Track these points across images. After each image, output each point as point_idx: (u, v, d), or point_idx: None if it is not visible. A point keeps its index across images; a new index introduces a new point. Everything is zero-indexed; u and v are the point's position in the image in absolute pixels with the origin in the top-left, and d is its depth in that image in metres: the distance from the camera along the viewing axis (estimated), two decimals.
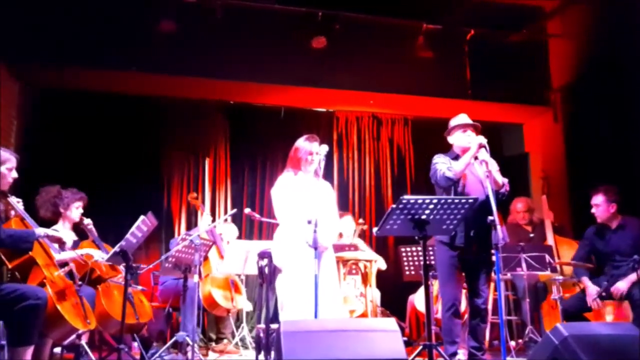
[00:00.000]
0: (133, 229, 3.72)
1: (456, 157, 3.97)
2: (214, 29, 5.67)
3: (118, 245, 3.73)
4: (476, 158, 3.80)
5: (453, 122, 4.06)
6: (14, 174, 3.38)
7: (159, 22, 5.45)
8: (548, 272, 4.82)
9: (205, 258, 5.23)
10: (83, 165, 5.80)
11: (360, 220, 5.68)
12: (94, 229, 4.49)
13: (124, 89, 6.01)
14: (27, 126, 5.70)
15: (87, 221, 4.48)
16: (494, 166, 3.86)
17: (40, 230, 3.39)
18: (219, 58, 5.73)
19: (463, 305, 4.72)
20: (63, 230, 4.37)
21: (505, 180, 3.94)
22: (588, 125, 6.07)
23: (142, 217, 3.77)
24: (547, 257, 4.76)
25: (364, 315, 4.85)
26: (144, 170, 6.18)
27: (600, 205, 4.50)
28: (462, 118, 4.06)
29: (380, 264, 5.32)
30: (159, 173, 6.34)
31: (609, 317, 4.40)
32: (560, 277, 4.88)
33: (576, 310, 4.47)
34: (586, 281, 4.45)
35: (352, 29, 5.93)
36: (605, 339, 2.99)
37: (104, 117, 6.07)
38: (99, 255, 4.10)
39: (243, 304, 5.30)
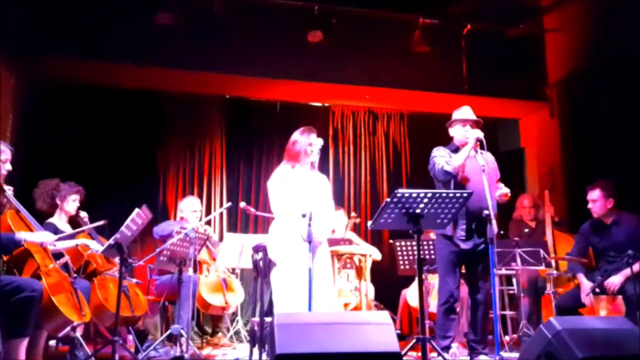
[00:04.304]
0: (128, 221, 3.72)
1: (456, 150, 3.99)
2: (210, 23, 5.63)
3: (113, 238, 3.73)
4: (476, 151, 3.83)
5: (455, 115, 4.08)
6: (8, 166, 3.38)
7: (156, 15, 5.43)
8: (542, 267, 4.84)
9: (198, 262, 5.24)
10: (79, 158, 5.78)
11: (353, 214, 5.66)
12: (89, 222, 4.50)
13: (120, 82, 5.98)
14: (23, 119, 5.67)
15: (83, 214, 4.51)
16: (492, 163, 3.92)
17: (21, 235, 3.39)
18: (215, 52, 5.70)
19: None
20: (60, 222, 4.39)
21: (508, 191, 3.97)
22: (584, 120, 6.08)
23: (136, 210, 3.77)
24: (542, 252, 4.78)
25: (357, 308, 4.86)
26: (139, 164, 6.15)
27: (597, 201, 4.46)
28: (465, 112, 4.08)
29: (375, 254, 5.32)
30: (154, 166, 6.33)
31: (603, 312, 4.42)
32: (555, 272, 4.90)
33: (570, 306, 4.47)
34: (581, 277, 4.45)
35: (348, 23, 5.91)
36: (599, 333, 3.00)
37: (100, 110, 6.03)
38: (95, 246, 4.11)
39: (237, 301, 5.30)
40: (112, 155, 6.00)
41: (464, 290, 4.90)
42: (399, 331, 4.96)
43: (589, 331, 3.00)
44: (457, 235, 3.83)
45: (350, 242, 5.09)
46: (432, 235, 4.65)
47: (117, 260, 3.96)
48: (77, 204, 4.47)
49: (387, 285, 5.82)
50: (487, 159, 3.88)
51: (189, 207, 5.24)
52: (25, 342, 3.23)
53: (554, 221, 5.52)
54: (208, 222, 5.63)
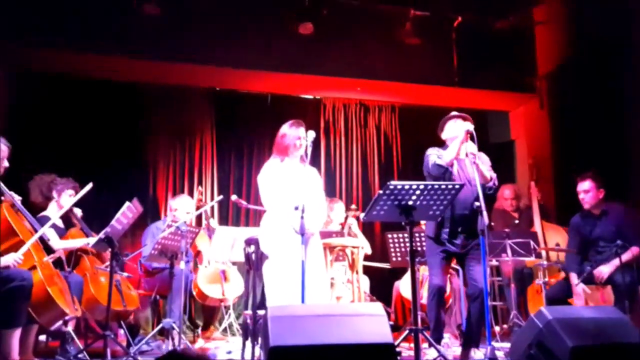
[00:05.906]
0: (118, 215, 3.71)
1: None
2: (199, 14, 5.59)
3: (103, 231, 3.71)
4: (466, 155, 3.81)
5: (443, 120, 4.10)
6: (6, 163, 3.38)
7: (143, 6, 5.36)
8: (533, 258, 4.87)
9: (198, 252, 5.22)
10: (67, 151, 5.72)
11: (353, 206, 5.63)
12: (80, 219, 4.48)
13: (109, 75, 5.91)
14: (8, 110, 5.60)
15: (77, 210, 4.47)
16: (484, 160, 3.91)
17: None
18: (205, 44, 5.66)
19: (447, 290, 4.78)
20: (55, 215, 4.35)
21: (494, 175, 3.97)
22: (573, 111, 6.12)
23: (127, 204, 3.75)
24: (532, 243, 4.81)
25: (350, 301, 4.87)
26: (129, 157, 6.11)
27: (590, 191, 4.44)
28: (450, 114, 4.11)
29: (367, 248, 5.31)
30: (144, 159, 6.28)
31: (592, 302, 4.46)
32: (545, 263, 4.93)
33: (561, 297, 4.49)
34: (573, 277, 4.41)
35: (339, 15, 5.90)
36: (589, 322, 3.03)
37: (90, 103, 5.98)
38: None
39: (235, 294, 5.27)
40: (102, 148, 5.94)
41: (456, 281, 4.92)
42: (392, 323, 4.97)
43: (579, 320, 3.03)
44: (441, 238, 3.84)
45: (342, 234, 5.08)
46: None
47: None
48: (73, 199, 4.45)
49: (380, 278, 5.83)
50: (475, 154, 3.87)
51: (184, 208, 5.16)
52: (17, 333, 3.20)
53: (540, 205, 5.54)
54: (199, 216, 5.60)
